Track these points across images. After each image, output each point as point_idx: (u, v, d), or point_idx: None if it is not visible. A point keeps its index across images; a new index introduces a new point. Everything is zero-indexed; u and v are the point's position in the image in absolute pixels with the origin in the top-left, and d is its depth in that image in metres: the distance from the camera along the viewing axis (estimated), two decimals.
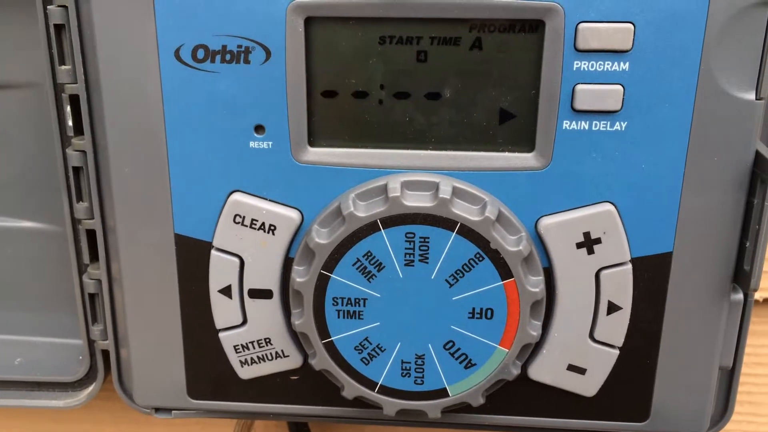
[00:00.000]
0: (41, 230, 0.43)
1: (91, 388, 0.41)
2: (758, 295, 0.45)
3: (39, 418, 0.49)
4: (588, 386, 0.35)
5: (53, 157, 0.36)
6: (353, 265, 0.32)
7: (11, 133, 0.41)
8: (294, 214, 0.33)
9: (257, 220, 0.33)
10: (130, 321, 0.37)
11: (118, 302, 0.38)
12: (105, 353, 0.40)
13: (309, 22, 0.31)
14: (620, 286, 0.33)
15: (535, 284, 0.32)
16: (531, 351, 0.34)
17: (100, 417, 0.49)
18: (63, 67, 0.34)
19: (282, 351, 0.36)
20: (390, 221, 0.31)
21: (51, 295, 0.43)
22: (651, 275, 0.33)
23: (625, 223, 0.32)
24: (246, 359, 0.36)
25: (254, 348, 0.36)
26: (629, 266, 0.33)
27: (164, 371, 0.37)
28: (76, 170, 0.36)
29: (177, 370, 0.37)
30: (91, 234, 0.37)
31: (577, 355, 0.34)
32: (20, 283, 0.44)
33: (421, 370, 0.34)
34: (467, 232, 0.31)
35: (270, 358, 0.36)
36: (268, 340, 0.36)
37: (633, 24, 0.29)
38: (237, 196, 0.33)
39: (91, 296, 0.39)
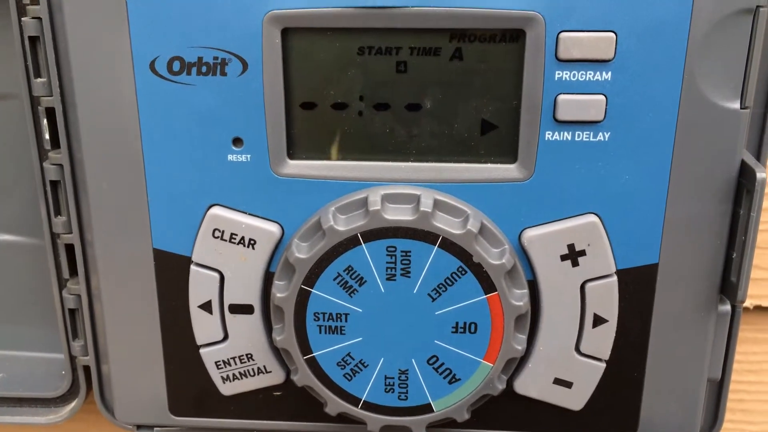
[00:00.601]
0: (21, 243, 0.42)
1: (73, 404, 0.40)
2: (748, 302, 0.45)
3: None
4: (575, 400, 0.34)
5: (32, 170, 0.36)
6: (334, 279, 0.31)
7: None
8: (274, 228, 0.33)
9: (237, 234, 0.33)
10: (110, 337, 0.36)
11: (98, 317, 0.37)
12: (87, 369, 0.39)
13: (286, 33, 0.30)
14: (606, 299, 0.32)
15: (519, 297, 0.32)
16: (516, 365, 0.33)
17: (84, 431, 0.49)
18: (39, 79, 0.34)
19: (264, 367, 0.35)
20: (371, 235, 0.31)
21: (32, 309, 0.43)
22: (637, 287, 0.33)
23: (609, 235, 0.32)
24: (228, 375, 0.36)
25: (236, 364, 0.35)
26: (614, 278, 0.32)
27: (145, 388, 0.37)
28: (54, 184, 0.36)
29: (158, 387, 0.37)
30: (70, 248, 0.37)
31: (564, 369, 0.34)
32: (2, 297, 0.43)
33: (405, 386, 0.33)
34: (449, 245, 0.31)
35: (252, 374, 0.35)
36: (249, 356, 0.35)
37: (615, 33, 0.29)
38: (216, 210, 0.33)
39: (72, 311, 0.38)
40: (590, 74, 0.30)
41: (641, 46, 0.29)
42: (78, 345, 0.38)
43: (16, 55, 0.34)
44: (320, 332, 0.32)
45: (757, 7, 0.29)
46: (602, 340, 0.33)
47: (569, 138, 0.31)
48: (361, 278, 0.31)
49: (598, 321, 0.33)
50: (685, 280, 0.32)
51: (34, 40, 0.34)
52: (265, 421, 0.37)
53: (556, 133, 0.30)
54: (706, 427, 0.36)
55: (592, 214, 0.31)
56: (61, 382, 0.40)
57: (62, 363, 0.40)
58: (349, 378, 0.33)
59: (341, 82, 0.31)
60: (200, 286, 0.34)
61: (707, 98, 0.30)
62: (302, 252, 0.31)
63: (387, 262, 0.31)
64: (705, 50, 0.29)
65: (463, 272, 0.31)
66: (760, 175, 0.30)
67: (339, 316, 0.32)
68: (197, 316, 0.35)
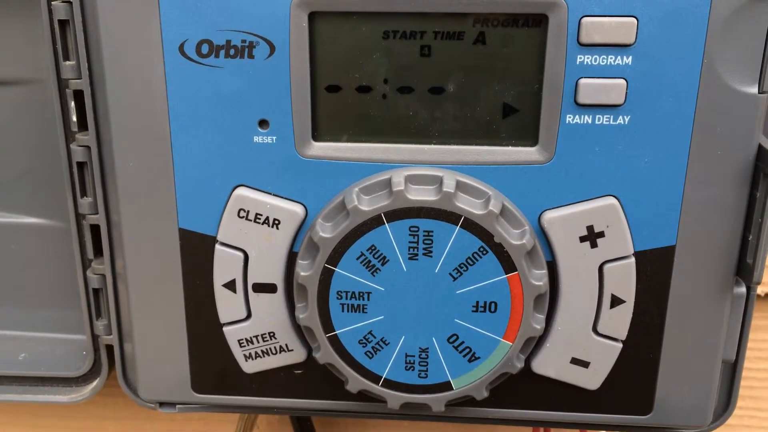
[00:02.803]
0: (45, 226, 0.43)
1: (95, 383, 0.41)
2: (760, 290, 0.46)
3: (43, 414, 0.49)
4: (591, 380, 0.35)
5: (57, 153, 0.36)
6: (357, 258, 0.32)
7: (15, 129, 0.41)
8: (298, 209, 0.33)
9: (261, 215, 0.33)
10: (135, 316, 0.37)
11: (122, 297, 0.38)
12: (109, 348, 0.40)
13: (313, 16, 0.31)
14: (623, 280, 0.33)
15: (539, 278, 0.32)
16: (534, 344, 0.34)
17: (103, 413, 0.50)
18: (67, 62, 0.34)
19: (286, 345, 0.36)
20: (394, 215, 0.31)
21: (55, 291, 0.44)
22: (654, 269, 0.33)
23: (628, 217, 0.32)
24: (250, 353, 0.36)
25: (258, 342, 0.36)
26: (632, 260, 0.33)
27: (168, 366, 0.37)
28: (80, 165, 0.36)
29: (181, 365, 0.37)
30: (95, 229, 0.37)
31: (581, 349, 0.34)
32: (24, 279, 0.44)
33: (425, 364, 0.34)
34: (471, 225, 0.31)
35: (274, 352, 0.36)
36: (272, 334, 0.36)
37: (636, 18, 0.29)
38: (241, 191, 0.33)
39: (95, 291, 0.39)
40: (611, 58, 0.30)
41: (662, 31, 0.30)
42: (101, 324, 0.39)
43: (44, 39, 0.34)
44: (342, 310, 0.33)
45: None
46: (619, 321, 0.34)
47: (590, 121, 0.31)
48: (384, 257, 0.32)
49: (615, 302, 0.33)
50: (701, 262, 0.33)
51: (63, 23, 0.34)
52: (286, 399, 0.37)
53: (577, 116, 0.31)
54: (719, 409, 0.37)
55: (611, 197, 0.32)
56: (83, 361, 0.41)
57: (83, 343, 0.41)
58: (371, 356, 0.34)
59: (366, 65, 0.32)
60: (225, 265, 0.35)
61: (726, 83, 0.30)
62: (326, 231, 0.32)
63: (409, 242, 0.32)
64: (724, 35, 0.30)
65: (484, 252, 0.32)
66: None
67: (361, 294, 0.33)
68: (221, 295, 0.35)
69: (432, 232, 0.31)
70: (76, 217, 0.37)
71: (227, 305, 0.35)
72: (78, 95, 0.35)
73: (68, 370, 0.41)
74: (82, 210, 0.37)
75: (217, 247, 0.34)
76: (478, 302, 0.32)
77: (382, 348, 0.33)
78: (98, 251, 0.38)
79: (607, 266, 0.33)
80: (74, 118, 0.35)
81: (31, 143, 0.41)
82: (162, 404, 0.39)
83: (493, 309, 0.32)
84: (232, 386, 0.37)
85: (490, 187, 0.32)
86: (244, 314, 0.35)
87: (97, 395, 0.41)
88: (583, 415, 0.36)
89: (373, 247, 0.32)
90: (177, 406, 0.39)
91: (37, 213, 0.43)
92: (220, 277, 0.35)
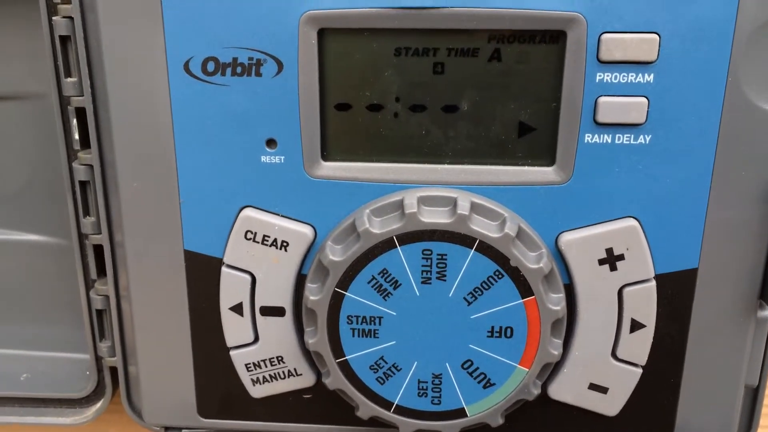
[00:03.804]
0: (48, 243, 0.42)
1: (98, 404, 0.40)
2: None
3: None
4: (610, 406, 0.34)
5: (59, 169, 0.36)
6: (368, 282, 0.31)
7: (17, 144, 0.40)
8: (307, 230, 0.32)
9: (269, 236, 0.33)
10: (139, 338, 0.36)
11: (126, 318, 0.37)
12: (113, 370, 0.39)
13: (322, 33, 0.30)
14: (644, 304, 0.32)
15: (556, 302, 0.31)
16: (551, 370, 0.33)
17: (107, 429, 0.49)
18: (69, 79, 0.34)
19: (295, 369, 0.35)
20: (406, 238, 0.30)
21: (58, 309, 0.43)
22: (675, 292, 0.32)
23: (649, 239, 0.31)
24: (258, 378, 0.35)
25: (266, 366, 0.35)
26: (653, 283, 0.32)
27: (174, 389, 0.37)
28: (83, 184, 0.35)
29: (187, 389, 0.36)
30: (98, 249, 0.36)
31: (599, 374, 0.33)
32: (27, 297, 0.43)
33: (439, 390, 0.33)
34: (486, 248, 0.30)
35: (282, 376, 0.35)
36: (280, 359, 0.35)
37: (658, 35, 0.28)
38: (248, 212, 0.32)
39: (99, 312, 0.38)
40: (632, 76, 0.29)
41: (685, 47, 0.29)
42: (105, 346, 0.38)
43: (45, 55, 0.33)
44: (353, 335, 0.32)
45: None
46: (639, 346, 0.33)
47: (609, 140, 0.30)
48: (396, 281, 0.31)
49: (635, 326, 0.32)
50: (724, 285, 0.32)
51: (64, 39, 0.33)
52: (294, 424, 0.36)
53: (596, 135, 0.30)
54: None
55: (632, 218, 0.31)
56: (86, 382, 0.40)
57: (87, 363, 0.40)
58: (382, 382, 0.33)
59: (377, 83, 0.31)
60: (231, 288, 0.34)
61: (751, 101, 0.29)
62: (336, 255, 0.31)
63: (422, 266, 0.31)
64: (749, 52, 0.29)
65: (500, 276, 0.31)
66: None
67: (373, 319, 0.32)
68: (228, 318, 0.34)
69: (446, 255, 0.31)
70: (79, 236, 0.37)
71: (234, 329, 0.34)
72: (80, 113, 0.34)
73: (71, 391, 0.40)
74: (85, 230, 0.36)
75: (224, 269, 0.33)
76: (493, 327, 0.31)
77: (394, 374, 0.33)
78: (102, 271, 0.37)
79: (626, 290, 0.32)
80: (77, 136, 0.35)
81: (34, 159, 0.40)
82: (167, 429, 0.38)
83: (508, 334, 0.31)
84: (239, 411, 0.36)
85: (505, 208, 0.31)
86: (251, 338, 0.34)
87: (102, 416, 0.40)
88: None
89: (384, 271, 0.31)
90: (183, 430, 0.38)
91: (40, 230, 0.42)
92: (226, 300, 0.34)
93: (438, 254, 0.31)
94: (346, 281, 0.31)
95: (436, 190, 0.31)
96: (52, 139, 0.38)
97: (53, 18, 0.33)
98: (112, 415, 0.42)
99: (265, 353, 0.35)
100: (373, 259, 0.31)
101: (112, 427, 0.45)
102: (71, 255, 0.38)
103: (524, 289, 0.31)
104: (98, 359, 0.39)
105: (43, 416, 0.41)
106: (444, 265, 0.31)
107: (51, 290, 0.43)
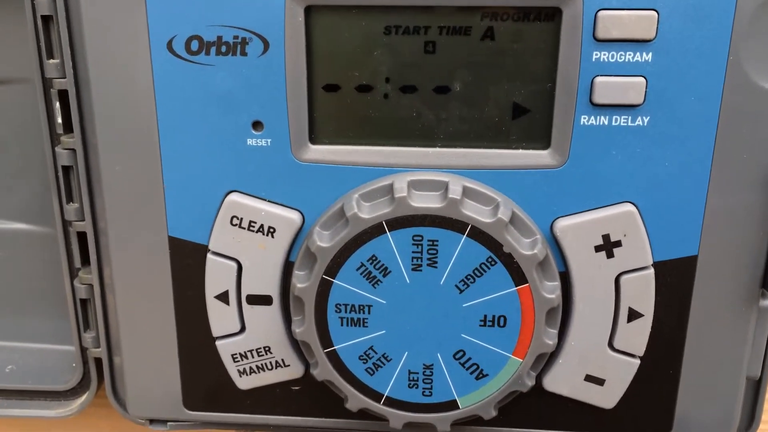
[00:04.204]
0: (32, 232, 0.41)
1: (84, 397, 0.39)
2: None
3: (30, 428, 0.48)
4: (607, 398, 0.33)
5: (43, 156, 0.35)
6: (357, 269, 0.30)
7: (3, 130, 0.39)
8: (294, 216, 0.31)
9: (255, 222, 0.32)
10: (123, 328, 0.35)
11: (110, 308, 0.36)
12: (98, 361, 0.38)
13: (309, 11, 0.29)
14: (641, 292, 0.31)
15: (551, 290, 0.30)
16: (546, 361, 0.32)
17: (95, 425, 0.48)
18: (51, 61, 0.33)
19: (282, 360, 0.34)
20: (396, 223, 0.30)
21: (42, 300, 0.42)
22: (674, 280, 0.31)
23: (647, 225, 0.30)
24: (244, 369, 0.34)
25: (253, 357, 0.34)
26: (651, 271, 0.31)
27: (159, 381, 0.36)
28: (66, 169, 0.35)
29: (172, 380, 0.36)
30: (82, 236, 0.36)
31: (596, 365, 0.32)
32: (11, 287, 0.42)
33: (430, 381, 0.32)
34: (479, 234, 0.29)
35: (270, 367, 0.34)
36: (267, 349, 0.34)
37: (657, 11, 0.28)
38: (234, 197, 0.32)
39: (83, 302, 0.37)
40: (630, 55, 0.28)
41: (684, 25, 0.28)
42: (89, 336, 0.37)
43: (28, 36, 0.33)
44: (342, 324, 0.31)
45: None
46: (637, 336, 0.32)
47: (606, 122, 0.29)
48: (386, 268, 0.30)
49: (633, 315, 0.31)
50: (725, 273, 0.31)
51: (46, 19, 0.32)
52: (282, 417, 0.36)
53: (593, 117, 0.29)
54: (741, 427, 0.35)
55: (629, 203, 0.30)
56: (71, 374, 0.39)
57: (73, 355, 0.39)
58: (372, 372, 0.32)
59: (366, 63, 0.30)
60: (217, 276, 0.33)
61: (753, 81, 0.28)
62: (324, 240, 0.30)
63: (413, 252, 0.30)
64: (751, 31, 0.28)
65: (493, 263, 0.30)
66: None
67: (362, 307, 0.31)
68: (213, 307, 0.33)
69: (437, 241, 0.30)
70: (63, 223, 0.36)
71: (220, 318, 0.34)
72: (63, 95, 0.33)
73: (57, 383, 0.40)
74: (69, 216, 0.35)
75: (209, 256, 0.33)
76: (486, 316, 0.31)
77: (384, 364, 0.32)
78: (86, 259, 0.36)
79: (624, 278, 0.31)
80: (59, 120, 0.34)
81: (21, 145, 0.40)
82: (152, 421, 0.37)
83: (502, 323, 0.30)
84: (225, 403, 0.36)
85: (498, 193, 0.30)
86: (237, 327, 0.34)
87: (88, 408, 0.39)
88: None
89: (374, 258, 0.30)
90: (168, 423, 0.37)
91: (26, 218, 0.41)
92: (212, 288, 0.33)
93: (429, 240, 0.30)
94: (334, 268, 0.30)
95: (427, 174, 0.30)
96: (34, 124, 0.37)
97: None
98: (98, 408, 0.41)
99: (252, 343, 0.34)
100: (362, 245, 0.30)
101: (99, 420, 0.45)
102: (56, 244, 0.37)
103: (518, 276, 0.30)
104: (83, 350, 0.38)
105: (28, 408, 0.40)
106: (435, 252, 0.30)
107: (36, 280, 0.42)
